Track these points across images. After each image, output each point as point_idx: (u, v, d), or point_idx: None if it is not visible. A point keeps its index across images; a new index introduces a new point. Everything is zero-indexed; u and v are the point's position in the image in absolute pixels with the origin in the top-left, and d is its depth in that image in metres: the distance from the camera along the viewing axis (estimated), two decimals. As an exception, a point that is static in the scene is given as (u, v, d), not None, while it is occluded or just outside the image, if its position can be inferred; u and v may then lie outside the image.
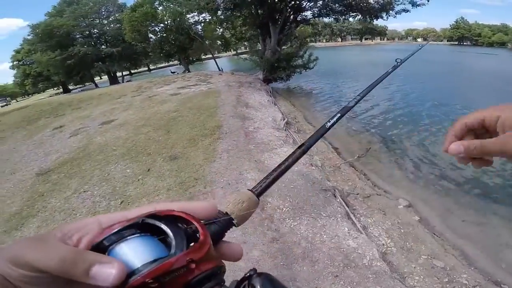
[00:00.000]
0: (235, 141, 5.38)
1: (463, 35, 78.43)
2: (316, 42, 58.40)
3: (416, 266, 2.96)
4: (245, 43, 23.82)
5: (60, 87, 26.21)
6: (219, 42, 29.70)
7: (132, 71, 38.74)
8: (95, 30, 24.64)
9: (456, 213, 4.16)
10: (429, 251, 3.22)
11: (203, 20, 22.69)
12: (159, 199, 3.77)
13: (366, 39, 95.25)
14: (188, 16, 21.36)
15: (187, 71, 22.80)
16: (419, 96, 12.00)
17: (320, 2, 15.24)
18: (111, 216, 0.28)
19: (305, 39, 18.33)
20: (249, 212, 0.35)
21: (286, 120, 7.68)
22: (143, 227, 0.26)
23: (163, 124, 6.66)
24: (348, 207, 3.80)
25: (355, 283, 2.47)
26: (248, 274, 0.28)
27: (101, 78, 36.60)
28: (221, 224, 0.31)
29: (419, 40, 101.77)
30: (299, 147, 0.48)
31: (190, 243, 0.26)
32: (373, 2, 14.80)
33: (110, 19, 25.51)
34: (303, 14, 16.08)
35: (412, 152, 6.43)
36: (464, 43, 79.06)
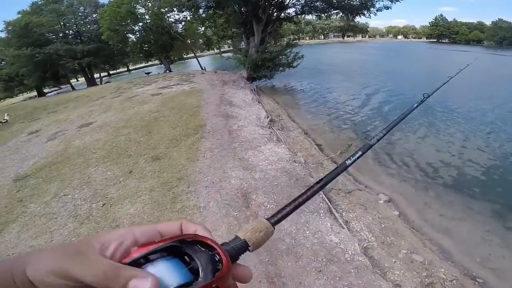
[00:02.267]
0: (218, 139, 5.33)
1: (442, 32, 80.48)
2: (299, 40, 58.91)
3: (396, 260, 3.02)
4: (229, 41, 23.64)
5: (35, 90, 24.96)
6: (201, 41, 29.33)
7: (111, 72, 37.57)
8: (70, 31, 23.68)
9: (434, 208, 4.29)
10: (408, 246, 3.30)
11: (184, 19, 22.37)
12: (142, 200, 3.70)
13: (348, 36, 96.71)
14: (168, 14, 20.96)
15: (168, 71, 22.38)
16: (398, 93, 12.36)
17: (303, -1, 15.38)
18: (144, 229, 0.31)
19: (293, 40, 18.37)
20: (264, 241, 0.38)
21: (270, 117, 7.70)
22: (172, 248, 0.29)
23: (144, 125, 6.51)
24: (330, 202, 3.85)
25: (337, 278, 2.51)
26: None
27: (77, 80, 35.24)
28: (238, 248, 0.34)
29: (399, 37, 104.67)
30: (317, 182, 0.49)
31: (215, 269, 0.28)
32: (354, 0, 15.04)
33: (87, 19, 24.65)
34: (286, 11, 16.11)
35: (392, 148, 6.60)
36: (443, 41, 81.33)
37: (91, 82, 25.17)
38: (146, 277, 0.25)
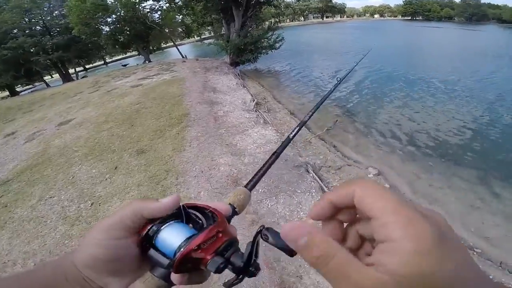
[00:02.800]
0: (204, 127, 5.21)
1: (416, 10, 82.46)
2: (280, 23, 57.97)
3: None
4: (209, 28, 22.90)
5: (6, 90, 23.54)
6: (180, 29, 28.27)
7: (87, 66, 35.87)
8: (37, 27, 22.20)
9: (423, 178, 4.35)
10: None
11: (160, 8, 21.39)
12: (131, 197, 3.61)
13: (327, 17, 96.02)
14: (143, 4, 19.96)
15: (147, 61, 21.59)
16: (379, 68, 12.49)
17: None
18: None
19: (274, 23, 17.89)
20: (245, 202, 0.48)
21: (255, 101, 7.58)
22: (177, 216, 0.36)
23: (125, 118, 6.27)
24: (321, 181, 3.85)
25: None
26: (259, 229, 0.33)
27: (52, 77, 33.55)
28: (231, 214, 0.42)
29: (376, 16, 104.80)
30: (273, 154, 0.64)
31: (213, 220, 0.36)
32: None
33: (54, 14, 23.15)
34: (265, -5, 15.64)
35: (377, 120, 6.67)
36: (417, 18, 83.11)
37: (66, 78, 23.96)
38: (169, 196, 0.36)
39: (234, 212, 0.44)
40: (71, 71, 25.91)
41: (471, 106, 7.27)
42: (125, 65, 22.67)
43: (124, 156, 4.64)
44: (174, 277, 0.33)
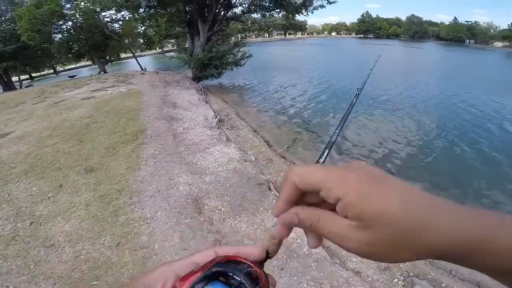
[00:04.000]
0: (162, 144, 5.01)
1: (368, 28, 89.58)
2: (246, 38, 59.42)
3: None
4: (172, 40, 22.52)
5: None
6: (141, 40, 27.42)
7: (34, 75, 32.76)
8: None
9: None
10: None
11: (121, 18, 20.60)
12: (77, 216, 3.33)
13: (289, 34, 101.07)
14: (103, 14, 19.06)
15: (103, 72, 20.45)
16: (334, 85, 13.44)
17: (249, -2, 15.53)
18: (182, 263, 0.32)
19: (241, 40, 18.18)
20: (279, 246, 0.40)
21: (218, 117, 7.54)
22: (212, 275, 0.30)
23: (74, 133, 5.78)
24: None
25: (300, 273, 2.54)
26: None
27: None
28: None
29: (333, 34, 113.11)
30: None
31: (256, 283, 0.30)
32: (295, -1, 15.75)
33: (3, 18, 21.02)
34: (232, 10, 16.03)
35: (351, 144, 7.02)
36: (368, 36, 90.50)
37: (8, 86, 21.53)
38: None
39: (267, 257, 0.38)
40: (14, 79, 23.42)
41: (417, 122, 8.12)
42: (72, 77, 21.00)
43: (71, 174, 4.27)
44: None
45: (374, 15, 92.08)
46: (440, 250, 0.24)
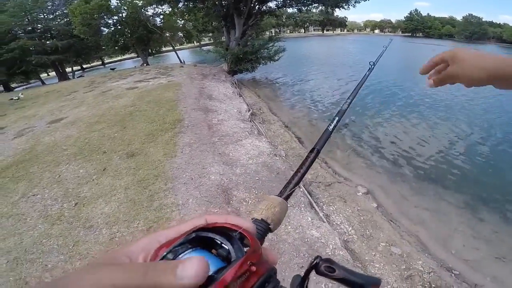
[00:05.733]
0: (197, 134, 5.18)
1: (416, 27, 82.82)
2: (280, 33, 58.81)
3: (376, 253, 3.05)
4: (209, 34, 23.06)
5: (1, 85, 23.17)
6: (180, 34, 28.48)
7: (84, 66, 35.64)
8: (39, 25, 22.06)
9: (410, 199, 4.39)
10: (387, 238, 3.34)
11: (162, 12, 21.56)
12: (117, 199, 3.53)
13: (327, 30, 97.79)
14: (146, 8, 20.11)
15: (145, 64, 21.60)
16: (376, 83, 12.68)
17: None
18: (168, 231, 0.30)
19: (276, 35, 18.06)
20: (282, 216, 0.37)
21: (251, 111, 7.60)
22: (195, 241, 0.27)
23: (118, 120, 6.20)
24: (311, 196, 3.84)
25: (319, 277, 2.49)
26: (314, 261, 0.28)
27: (48, 75, 33.20)
28: (261, 231, 0.33)
29: (376, 31, 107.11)
30: (311, 151, 0.54)
31: (243, 248, 0.27)
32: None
33: (57, 13, 23.10)
34: (267, 4, 15.90)
35: (369, 138, 6.74)
36: (417, 35, 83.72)
37: (62, 76, 23.76)
38: (189, 260, 0.23)
39: (268, 229, 0.35)
40: (68, 70, 25.74)
41: (461, 130, 7.40)
42: (113, 69, 22.51)
43: (114, 158, 4.57)
44: None
45: (423, 14, 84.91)
46: (489, 72, 0.53)
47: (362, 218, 3.70)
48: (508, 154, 6.07)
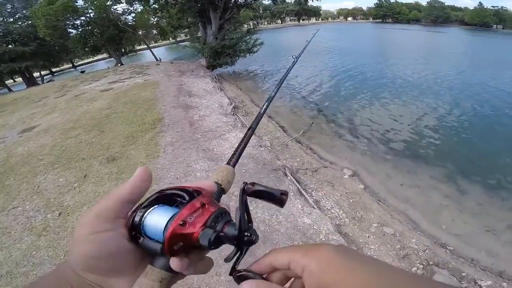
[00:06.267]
0: (179, 132, 5.07)
1: (386, 13, 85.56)
2: (258, 25, 58.41)
3: (369, 235, 3.12)
4: (185, 30, 22.45)
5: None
6: (154, 32, 27.56)
7: (54, 70, 33.84)
8: (-2, 31, 20.54)
9: (395, 178, 4.53)
10: (378, 219, 3.42)
11: (133, 10, 20.72)
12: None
13: (303, 19, 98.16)
14: (115, 6, 19.25)
15: (119, 64, 20.82)
16: (351, 69, 12.95)
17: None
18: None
19: (253, 28, 17.81)
20: (230, 178, 0.45)
21: (233, 104, 7.53)
22: (160, 199, 0.34)
23: (95, 124, 5.96)
24: (299, 183, 3.87)
25: None
26: (242, 186, 0.33)
27: (14, 81, 31.33)
28: (217, 192, 0.40)
29: (349, 19, 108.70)
30: (249, 129, 0.62)
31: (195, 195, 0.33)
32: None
33: (17, 16, 21.63)
34: (243, -3, 15.61)
35: (351, 121, 6.88)
36: (387, 21, 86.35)
37: (30, 82, 22.37)
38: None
39: (221, 190, 0.41)
40: (36, 74, 24.35)
41: (431, 107, 7.71)
42: (83, 72, 21.47)
43: (94, 164, 4.41)
44: (173, 263, 0.30)
45: (392, 0, 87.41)
46: None
47: (351, 200, 3.77)
48: (476, 125, 6.43)
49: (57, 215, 3.38)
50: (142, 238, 0.31)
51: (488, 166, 4.83)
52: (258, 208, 3.18)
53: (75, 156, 4.75)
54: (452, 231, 3.38)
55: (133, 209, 0.33)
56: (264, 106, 0.75)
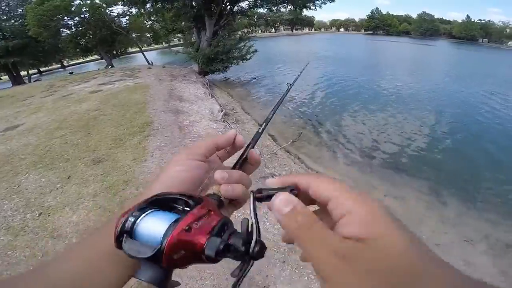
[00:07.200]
0: (168, 137, 5.05)
1: (377, 25, 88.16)
2: (252, 33, 59.17)
3: None
4: (178, 35, 22.51)
5: None
6: (147, 35, 27.52)
7: (42, 69, 33.13)
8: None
9: (379, 189, 4.65)
10: None
11: (128, 13, 20.68)
12: (85, 207, 3.37)
13: (296, 29, 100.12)
14: (110, 8, 19.18)
15: (110, 66, 20.61)
16: (341, 81, 13.27)
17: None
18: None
19: (246, 34, 18.05)
20: None
21: (224, 111, 7.56)
22: (154, 204, 0.31)
23: (82, 125, 5.86)
24: (286, 191, 3.90)
25: (301, 267, 2.56)
26: (252, 195, 0.33)
27: (0, 79, 30.51)
28: (215, 201, 0.36)
29: (341, 30, 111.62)
30: (247, 146, 0.53)
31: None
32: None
33: (10, 14, 21.26)
34: (239, 4, 15.84)
35: (339, 132, 7.03)
36: (378, 33, 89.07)
37: (16, 80, 21.88)
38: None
39: (220, 202, 0.37)
40: (23, 73, 23.78)
41: (421, 120, 7.97)
42: (71, 73, 21.14)
43: (79, 165, 4.32)
44: None
45: (384, 12, 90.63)
46: None
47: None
48: (460, 140, 6.69)
49: (37, 215, 3.30)
50: (129, 240, 0.27)
51: (468, 178, 5.03)
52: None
53: (59, 156, 4.65)
54: (433, 241, 3.50)
55: (125, 211, 0.29)
56: (262, 127, 0.75)
